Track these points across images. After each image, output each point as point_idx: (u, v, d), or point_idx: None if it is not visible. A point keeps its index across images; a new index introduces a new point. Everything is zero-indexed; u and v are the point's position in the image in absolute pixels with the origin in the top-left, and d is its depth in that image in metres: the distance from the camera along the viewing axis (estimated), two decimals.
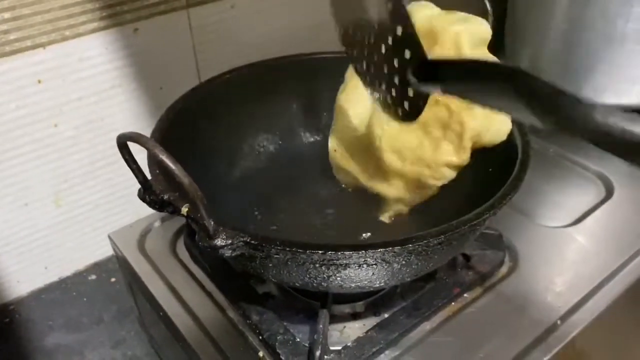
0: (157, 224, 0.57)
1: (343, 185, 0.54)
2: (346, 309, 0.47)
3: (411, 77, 0.38)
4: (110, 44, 0.55)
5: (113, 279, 0.63)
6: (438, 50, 0.42)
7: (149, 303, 0.50)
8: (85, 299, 0.61)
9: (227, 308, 0.47)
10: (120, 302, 0.61)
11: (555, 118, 0.32)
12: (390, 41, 0.39)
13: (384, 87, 0.40)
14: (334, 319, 0.46)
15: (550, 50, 0.61)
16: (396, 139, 0.45)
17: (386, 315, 0.46)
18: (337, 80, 0.57)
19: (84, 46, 0.53)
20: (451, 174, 0.44)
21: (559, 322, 0.45)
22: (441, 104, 0.43)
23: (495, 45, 0.47)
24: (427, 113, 0.42)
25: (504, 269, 0.50)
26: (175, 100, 0.48)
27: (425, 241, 0.35)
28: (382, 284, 0.39)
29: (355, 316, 0.47)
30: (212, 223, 0.34)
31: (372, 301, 0.47)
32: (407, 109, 0.39)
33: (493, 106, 0.37)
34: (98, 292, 0.62)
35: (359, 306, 0.47)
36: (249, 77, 0.54)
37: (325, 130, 0.59)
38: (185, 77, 0.63)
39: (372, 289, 0.42)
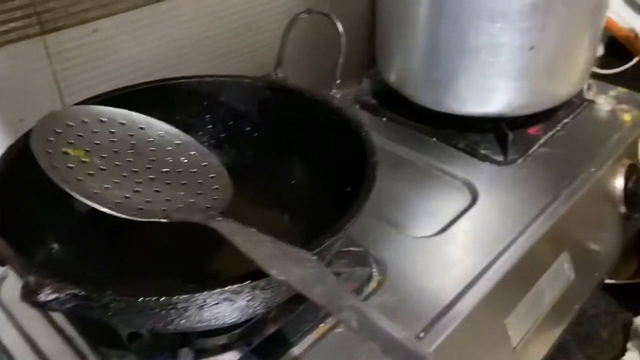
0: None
1: None
2: (220, 340, 0.46)
3: None
4: None
5: None
6: None
7: (5, 356, 0.47)
8: None
9: (89, 354, 0.45)
10: None
11: None
12: None
13: None
14: (205, 353, 0.45)
15: (414, 63, 0.63)
16: None
17: (255, 344, 0.45)
18: (202, 105, 0.56)
19: None
20: None
21: (422, 334, 0.46)
22: None
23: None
24: None
25: (373, 284, 0.51)
26: (16, 140, 0.45)
27: (268, 278, 0.34)
28: (234, 320, 0.38)
29: (226, 347, 0.46)
30: (33, 278, 0.32)
31: (244, 330, 0.47)
32: None
33: None
34: None
35: (231, 337, 0.46)
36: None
37: None
38: (48, 106, 0.59)
39: (225, 325, 0.42)
